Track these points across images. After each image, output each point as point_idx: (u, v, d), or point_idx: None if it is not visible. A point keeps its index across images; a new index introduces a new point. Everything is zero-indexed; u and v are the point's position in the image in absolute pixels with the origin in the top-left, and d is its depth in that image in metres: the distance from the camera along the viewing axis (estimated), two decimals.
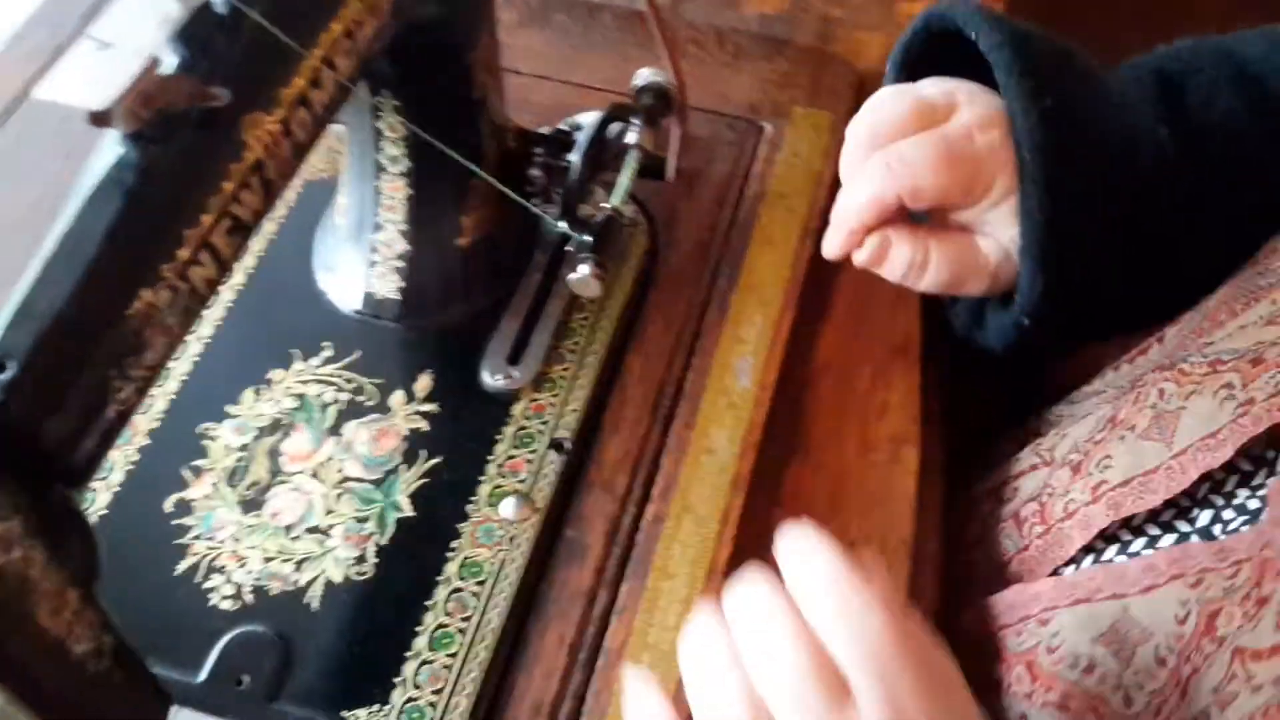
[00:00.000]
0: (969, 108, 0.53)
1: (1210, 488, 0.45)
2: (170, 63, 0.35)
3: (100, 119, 0.32)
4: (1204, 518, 0.45)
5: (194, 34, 0.35)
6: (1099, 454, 0.49)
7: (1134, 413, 0.49)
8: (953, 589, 0.57)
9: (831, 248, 0.56)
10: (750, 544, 0.54)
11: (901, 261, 0.54)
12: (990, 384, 0.71)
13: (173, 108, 0.34)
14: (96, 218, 0.34)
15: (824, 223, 0.61)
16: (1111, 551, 0.48)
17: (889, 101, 0.55)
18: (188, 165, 0.36)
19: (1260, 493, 0.43)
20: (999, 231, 0.53)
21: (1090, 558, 0.48)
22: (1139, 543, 0.47)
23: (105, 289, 0.34)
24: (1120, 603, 0.45)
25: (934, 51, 0.56)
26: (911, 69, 0.58)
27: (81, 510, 0.34)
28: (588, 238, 0.54)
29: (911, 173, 0.52)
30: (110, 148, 0.35)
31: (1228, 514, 0.44)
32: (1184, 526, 0.46)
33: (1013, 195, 0.52)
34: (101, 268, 0.34)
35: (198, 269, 0.36)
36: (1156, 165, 0.53)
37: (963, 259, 0.55)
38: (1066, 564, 0.50)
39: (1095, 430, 0.51)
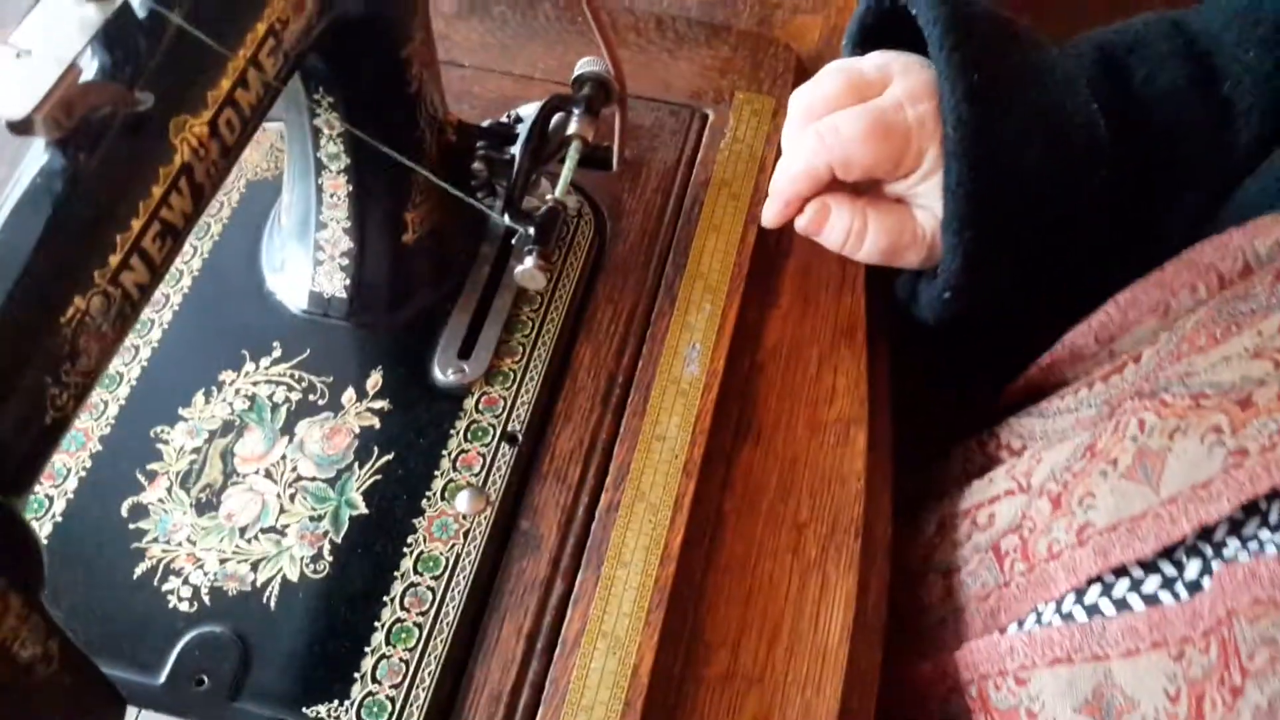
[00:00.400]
0: (903, 80, 0.54)
1: (1199, 533, 0.43)
2: (92, 68, 0.35)
3: (20, 128, 0.32)
4: (1192, 569, 0.43)
5: (115, 39, 0.35)
6: (1079, 488, 0.48)
7: (1114, 444, 0.47)
8: (923, 611, 0.57)
9: (769, 216, 0.58)
10: (703, 528, 0.55)
11: (840, 229, 0.56)
12: (938, 364, 0.72)
13: (97, 114, 0.34)
14: (25, 227, 0.34)
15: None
16: (1094, 592, 0.47)
17: (826, 76, 0.56)
18: (115, 171, 0.36)
19: (1250, 545, 0.42)
20: (932, 203, 0.54)
21: (1072, 595, 0.48)
22: (1122, 584, 0.46)
23: (37, 297, 0.34)
24: (1102, 665, 0.45)
25: (889, 26, 0.57)
26: (867, 44, 0.58)
27: (23, 517, 0.34)
28: (531, 230, 0.55)
29: (842, 144, 0.53)
30: (36, 156, 0.35)
31: (1216, 565, 0.42)
32: (1169, 570, 0.44)
33: (941, 168, 0.53)
34: (32, 276, 0.34)
35: (129, 274, 0.36)
36: (1088, 145, 0.54)
37: (899, 229, 0.56)
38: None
39: (1073, 458, 0.50)
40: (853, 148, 0.53)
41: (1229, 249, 0.51)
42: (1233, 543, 0.42)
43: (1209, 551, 0.43)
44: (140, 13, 0.36)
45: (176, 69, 0.37)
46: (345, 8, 0.45)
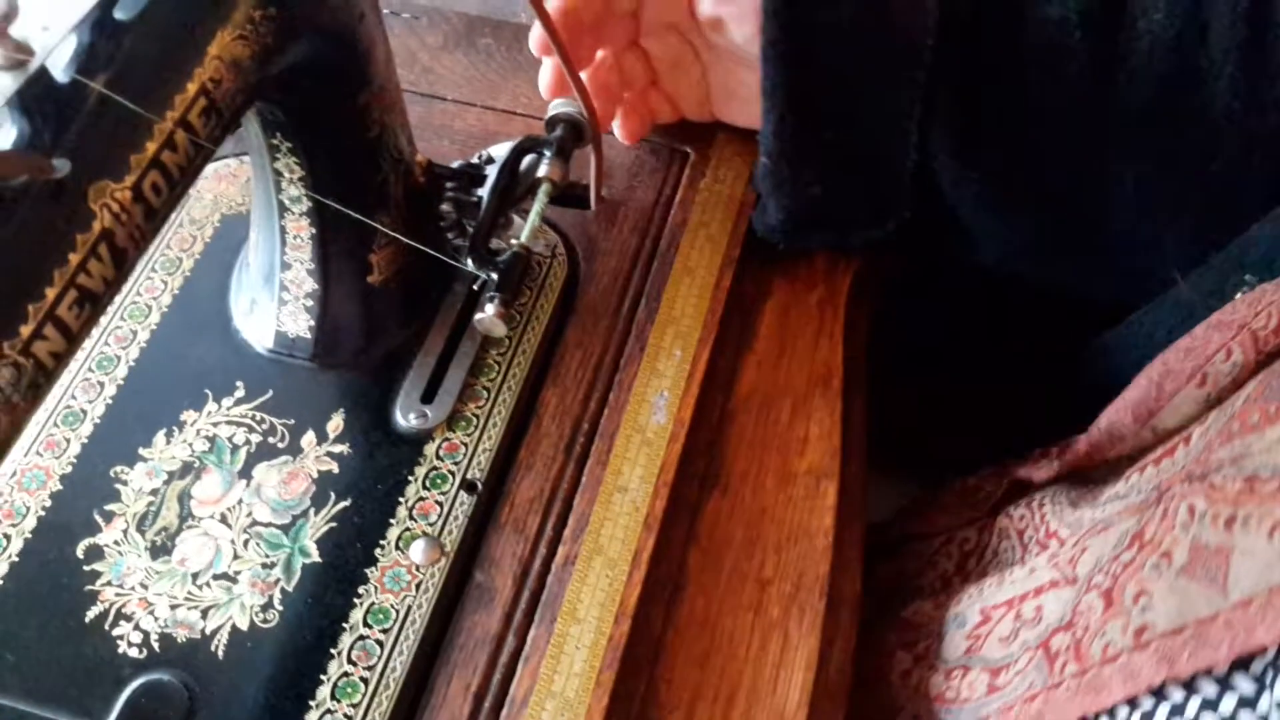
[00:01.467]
0: None
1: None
2: (7, 138, 0.34)
3: None
4: None
5: (31, 106, 0.35)
6: (1132, 585, 0.44)
7: (1163, 532, 0.43)
8: (961, 702, 0.54)
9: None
10: (663, 583, 0.54)
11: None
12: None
13: (8, 185, 0.34)
14: None
15: (743, 252, 0.61)
16: (1161, 712, 0.42)
17: None
18: (29, 240, 0.35)
19: None
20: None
21: (1125, 708, 0.43)
22: (1193, 703, 0.40)
23: None
24: None
25: None
26: None
27: None
28: (494, 276, 0.54)
29: None
30: None
31: None
32: (1245, 686, 0.39)
33: None
34: None
35: (42, 343, 0.35)
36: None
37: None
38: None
39: (1119, 546, 0.46)
40: None
41: (1261, 305, 0.48)
42: None
43: None
44: (59, 78, 0.35)
45: (97, 134, 0.36)
46: (292, 60, 0.44)
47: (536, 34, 0.59)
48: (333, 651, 0.51)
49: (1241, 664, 0.38)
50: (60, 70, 0.35)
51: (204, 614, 0.52)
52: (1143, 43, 0.53)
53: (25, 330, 0.35)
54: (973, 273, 0.65)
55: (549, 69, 0.60)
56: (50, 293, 0.35)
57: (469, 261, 0.55)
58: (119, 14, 0.37)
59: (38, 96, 0.35)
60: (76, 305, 0.36)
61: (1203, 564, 0.40)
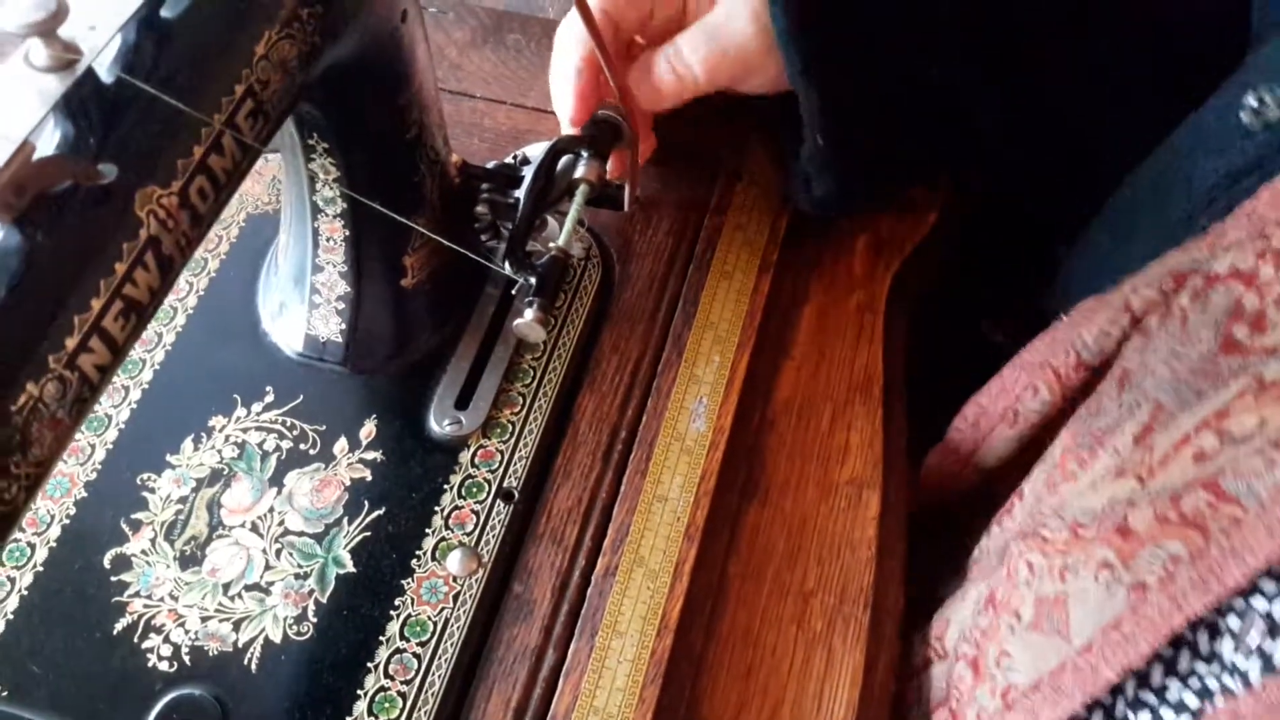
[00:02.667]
0: None
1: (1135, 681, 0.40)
2: (52, 141, 0.33)
3: None
4: None
5: (77, 109, 0.33)
6: (992, 648, 0.46)
7: (1010, 592, 0.45)
8: None
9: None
10: (705, 596, 0.53)
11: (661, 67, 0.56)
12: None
13: (53, 190, 0.32)
14: None
15: (781, 255, 0.60)
16: None
17: None
18: (75, 247, 0.34)
19: (1191, 682, 0.39)
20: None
21: None
22: None
23: None
24: None
25: None
26: None
27: None
28: (532, 280, 0.52)
29: None
30: None
31: (1167, 714, 0.39)
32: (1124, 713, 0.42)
33: None
34: None
35: (88, 356, 0.34)
36: None
37: (715, 31, 0.55)
38: None
39: (976, 612, 0.48)
40: None
41: (1057, 343, 0.51)
42: (1174, 685, 0.39)
43: (1152, 700, 0.40)
44: (106, 80, 0.34)
45: (143, 137, 0.35)
46: (335, 59, 0.43)
47: (565, 63, 0.57)
48: (369, 665, 0.49)
49: (1103, 707, 0.41)
50: (107, 71, 0.34)
51: (236, 626, 0.50)
52: None
53: (70, 343, 0.34)
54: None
55: (568, 96, 0.57)
56: (96, 303, 0.34)
57: (506, 264, 0.53)
58: (165, 12, 0.36)
59: (84, 99, 0.33)
60: (122, 316, 0.35)
61: (1046, 616, 0.42)
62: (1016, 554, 0.46)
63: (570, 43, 0.57)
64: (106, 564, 0.52)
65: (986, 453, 0.56)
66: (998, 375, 0.54)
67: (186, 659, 0.50)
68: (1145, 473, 0.41)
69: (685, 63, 0.56)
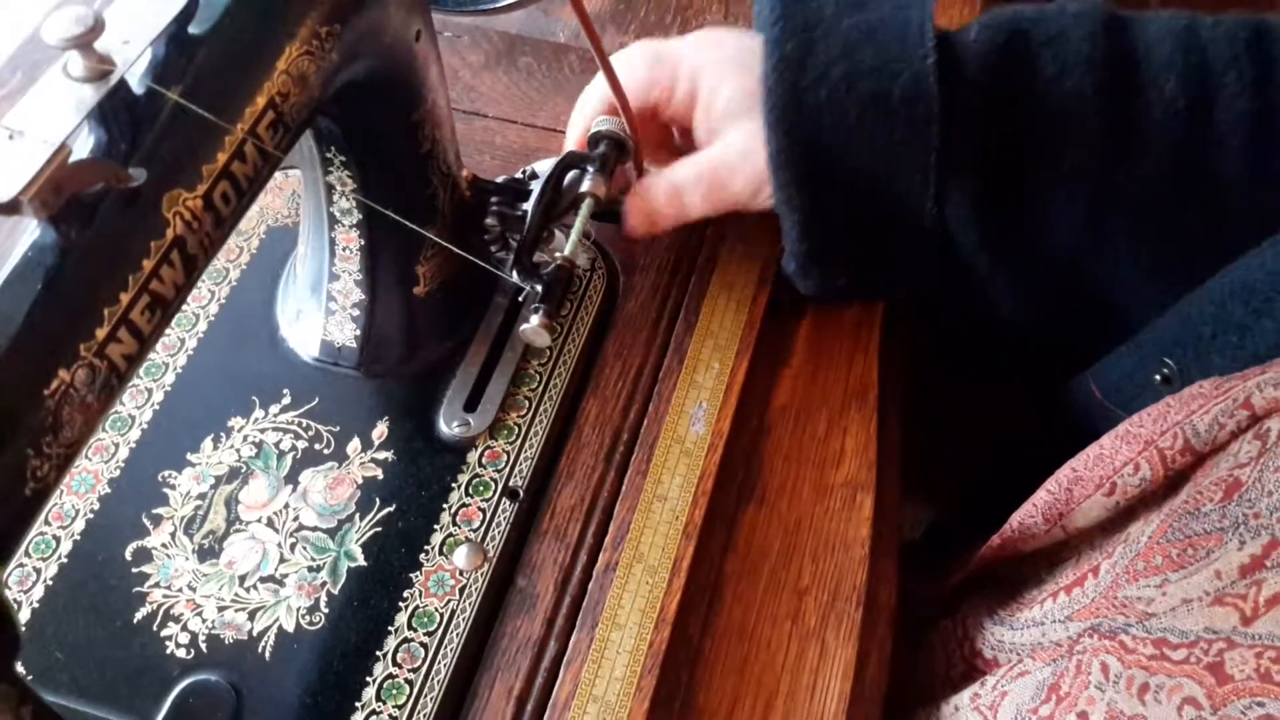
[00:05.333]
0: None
1: None
2: (86, 146, 0.36)
3: (8, 209, 0.32)
4: None
5: (110, 116, 0.36)
6: None
7: (1077, 687, 0.44)
8: None
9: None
10: (702, 591, 0.55)
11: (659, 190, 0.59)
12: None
13: (87, 191, 0.35)
14: (13, 300, 0.35)
15: (781, 268, 0.62)
16: None
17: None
18: (106, 245, 0.36)
19: None
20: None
21: None
22: None
23: (22, 370, 0.35)
24: None
25: None
26: None
27: None
28: (539, 288, 0.55)
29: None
30: (29, 229, 0.35)
31: None
32: None
33: None
34: (18, 349, 0.34)
35: (116, 346, 0.36)
36: (912, 101, 0.54)
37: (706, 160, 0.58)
38: None
39: (1037, 697, 0.47)
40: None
41: (1166, 424, 0.49)
42: None
43: None
44: (137, 90, 0.37)
45: (171, 144, 0.37)
46: (352, 76, 0.46)
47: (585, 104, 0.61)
48: (378, 654, 0.52)
49: None
50: (138, 82, 0.37)
51: (251, 616, 0.53)
52: (1154, 111, 0.54)
53: (100, 333, 0.36)
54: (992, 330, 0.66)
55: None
56: (124, 297, 0.37)
57: (514, 273, 0.56)
58: (194, 28, 0.38)
59: (116, 108, 0.36)
60: (148, 310, 0.37)
61: None
62: (1089, 650, 0.44)
63: (594, 94, 0.61)
64: (128, 556, 0.54)
65: (1078, 515, 0.54)
66: (1096, 443, 0.53)
67: (203, 647, 0.52)
68: (1250, 610, 0.39)
69: (685, 202, 0.59)
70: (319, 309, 0.59)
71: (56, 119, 0.34)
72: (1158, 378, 0.55)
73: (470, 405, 0.58)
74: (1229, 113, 0.53)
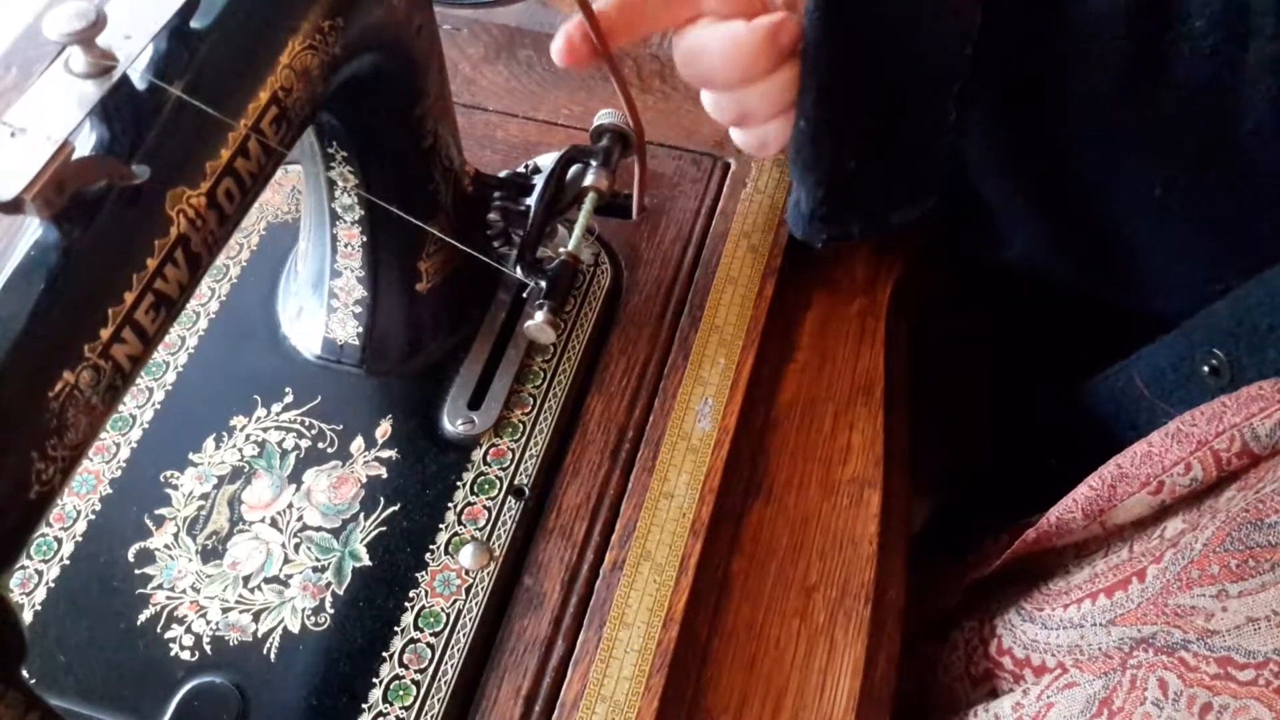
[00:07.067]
0: None
1: None
2: (89, 143, 0.35)
3: (10, 208, 0.32)
4: None
5: (113, 113, 0.35)
6: None
7: (1131, 703, 0.43)
8: None
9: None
10: (709, 589, 0.54)
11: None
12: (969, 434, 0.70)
13: (91, 188, 0.34)
14: (16, 301, 0.34)
15: (785, 262, 0.61)
16: None
17: None
18: (110, 244, 0.36)
19: None
20: None
21: None
22: None
23: (25, 372, 0.34)
24: None
25: None
26: None
27: (4, 595, 0.34)
28: (543, 284, 0.54)
29: None
30: (30, 230, 0.35)
31: None
32: None
33: None
34: (21, 350, 0.34)
35: (121, 346, 0.36)
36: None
37: None
38: None
39: (1087, 711, 0.46)
40: None
41: (1223, 425, 0.47)
42: None
43: None
44: (139, 86, 0.36)
45: (174, 141, 0.37)
46: (355, 70, 0.45)
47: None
48: (384, 654, 0.51)
49: None
50: (140, 78, 0.36)
51: (255, 617, 0.52)
52: (1183, 46, 0.52)
53: (105, 333, 0.35)
54: (1003, 290, 0.65)
55: None
56: (128, 296, 0.36)
57: (517, 269, 0.55)
58: (196, 23, 0.38)
59: (119, 104, 0.36)
60: (153, 310, 0.37)
61: None
62: (1145, 664, 0.43)
63: None
64: (131, 557, 0.54)
65: (1119, 512, 0.53)
66: (1144, 440, 0.51)
67: (208, 648, 0.51)
68: None
69: None
70: (321, 306, 0.58)
71: (58, 116, 0.34)
72: (1205, 369, 0.53)
73: (474, 403, 0.58)
74: (1260, 55, 0.51)
